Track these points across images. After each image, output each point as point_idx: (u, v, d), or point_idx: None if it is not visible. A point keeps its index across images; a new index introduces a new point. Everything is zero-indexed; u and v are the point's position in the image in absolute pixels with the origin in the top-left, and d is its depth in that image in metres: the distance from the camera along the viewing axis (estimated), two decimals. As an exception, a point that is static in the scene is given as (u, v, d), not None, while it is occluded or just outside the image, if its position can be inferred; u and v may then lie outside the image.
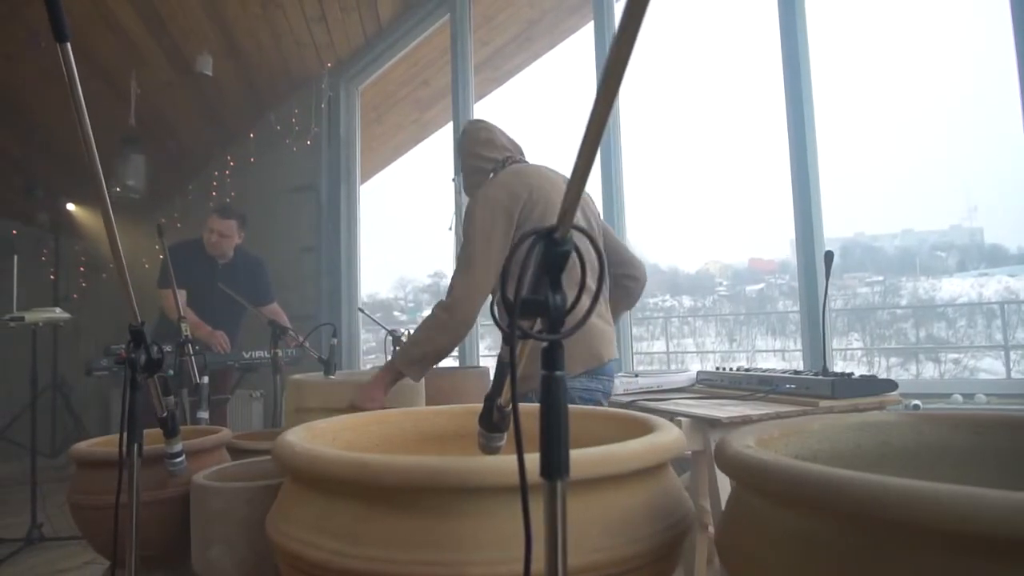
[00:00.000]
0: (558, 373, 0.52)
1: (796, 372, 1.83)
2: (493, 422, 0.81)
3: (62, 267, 3.66)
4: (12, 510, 3.11)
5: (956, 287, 13.00)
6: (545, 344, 0.52)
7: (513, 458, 0.79)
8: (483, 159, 1.87)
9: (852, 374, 1.74)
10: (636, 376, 2.09)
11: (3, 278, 3.16)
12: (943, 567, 0.52)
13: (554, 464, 0.51)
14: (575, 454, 0.80)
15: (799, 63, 2.60)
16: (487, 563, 0.74)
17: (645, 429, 1.00)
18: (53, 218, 3.63)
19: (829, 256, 1.75)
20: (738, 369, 1.99)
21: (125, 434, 1.07)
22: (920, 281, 14.20)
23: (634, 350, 3.18)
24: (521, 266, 0.52)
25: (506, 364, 0.80)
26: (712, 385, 2.02)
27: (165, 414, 1.21)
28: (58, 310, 2.61)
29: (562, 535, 0.52)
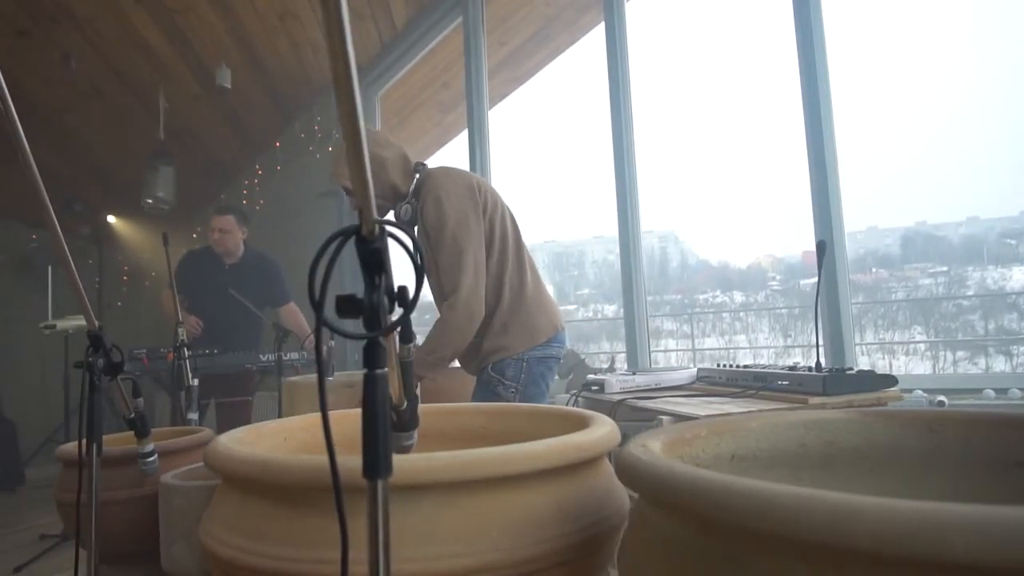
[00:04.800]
0: (378, 372, 0.51)
1: (792, 368, 1.76)
2: (395, 422, 0.81)
3: (106, 277, 3.86)
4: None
5: (1029, 276, 12.28)
6: (364, 343, 0.52)
7: (414, 457, 0.79)
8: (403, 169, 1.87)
9: (850, 369, 1.66)
10: (633, 374, 2.04)
11: (49, 287, 3.38)
12: (775, 573, 0.49)
13: (372, 464, 0.50)
14: (477, 453, 0.79)
15: (813, 47, 2.51)
16: (382, 562, 0.74)
17: (581, 426, 0.98)
18: (95, 230, 3.82)
19: (822, 246, 1.68)
20: (737, 365, 1.93)
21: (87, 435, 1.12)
22: (988, 271, 13.47)
23: (652, 347, 3.12)
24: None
25: (403, 363, 0.80)
26: (711, 382, 1.96)
27: (133, 415, 1.25)
28: (89, 317, 2.75)
29: (384, 535, 0.51)
